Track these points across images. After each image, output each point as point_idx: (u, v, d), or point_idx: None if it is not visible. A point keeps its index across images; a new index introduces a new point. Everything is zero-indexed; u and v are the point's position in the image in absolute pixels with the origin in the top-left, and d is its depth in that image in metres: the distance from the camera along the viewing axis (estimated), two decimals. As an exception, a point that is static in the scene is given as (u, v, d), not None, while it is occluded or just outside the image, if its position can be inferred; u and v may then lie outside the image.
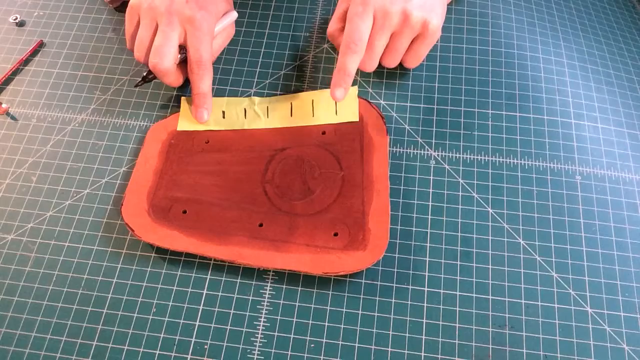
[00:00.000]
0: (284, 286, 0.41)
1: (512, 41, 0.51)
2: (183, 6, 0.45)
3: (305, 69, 0.51)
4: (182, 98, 0.49)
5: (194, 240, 0.41)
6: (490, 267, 0.41)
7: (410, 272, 0.41)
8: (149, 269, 0.42)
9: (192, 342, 0.39)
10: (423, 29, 0.44)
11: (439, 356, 0.38)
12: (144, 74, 0.48)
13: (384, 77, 0.50)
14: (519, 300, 0.40)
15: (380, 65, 0.49)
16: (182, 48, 0.47)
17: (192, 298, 0.40)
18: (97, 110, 0.50)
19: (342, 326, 0.39)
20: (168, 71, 0.46)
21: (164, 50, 0.45)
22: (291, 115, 0.48)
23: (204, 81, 0.46)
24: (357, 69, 0.46)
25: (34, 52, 0.53)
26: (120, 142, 0.48)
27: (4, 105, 0.49)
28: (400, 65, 0.48)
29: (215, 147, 0.47)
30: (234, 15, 0.51)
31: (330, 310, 0.40)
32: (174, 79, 0.47)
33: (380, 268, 0.41)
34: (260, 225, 0.42)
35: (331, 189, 0.44)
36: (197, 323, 0.40)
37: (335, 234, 0.41)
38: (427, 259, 0.41)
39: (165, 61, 0.45)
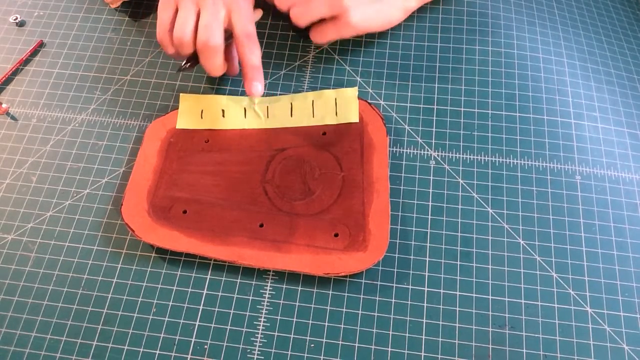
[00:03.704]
0: (284, 286, 0.41)
1: (512, 41, 0.51)
2: None
3: (305, 69, 0.51)
4: (181, 95, 0.49)
5: (195, 240, 0.41)
6: (490, 267, 0.41)
7: (410, 272, 0.41)
8: (149, 269, 0.42)
9: (192, 342, 0.39)
10: (340, 13, 0.45)
11: (439, 356, 0.38)
12: (183, 62, 0.47)
13: (384, 78, 0.50)
14: (518, 300, 0.40)
15: (379, 65, 0.49)
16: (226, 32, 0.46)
17: (192, 298, 0.40)
18: (97, 110, 0.50)
19: (342, 326, 0.39)
20: (217, 49, 0.44)
21: (213, 26, 0.43)
22: (291, 116, 0.48)
23: (254, 53, 0.45)
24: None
25: (34, 52, 0.53)
26: (120, 142, 0.48)
27: (4, 105, 0.49)
28: (401, 60, 0.49)
29: (215, 146, 0.47)
30: (260, 12, 0.51)
31: (330, 310, 0.40)
32: (221, 62, 0.45)
33: (380, 268, 0.41)
34: (261, 225, 0.42)
35: (331, 189, 0.44)
36: (197, 323, 0.40)
37: (336, 235, 0.41)
38: (427, 259, 0.41)
39: (215, 37, 0.44)
